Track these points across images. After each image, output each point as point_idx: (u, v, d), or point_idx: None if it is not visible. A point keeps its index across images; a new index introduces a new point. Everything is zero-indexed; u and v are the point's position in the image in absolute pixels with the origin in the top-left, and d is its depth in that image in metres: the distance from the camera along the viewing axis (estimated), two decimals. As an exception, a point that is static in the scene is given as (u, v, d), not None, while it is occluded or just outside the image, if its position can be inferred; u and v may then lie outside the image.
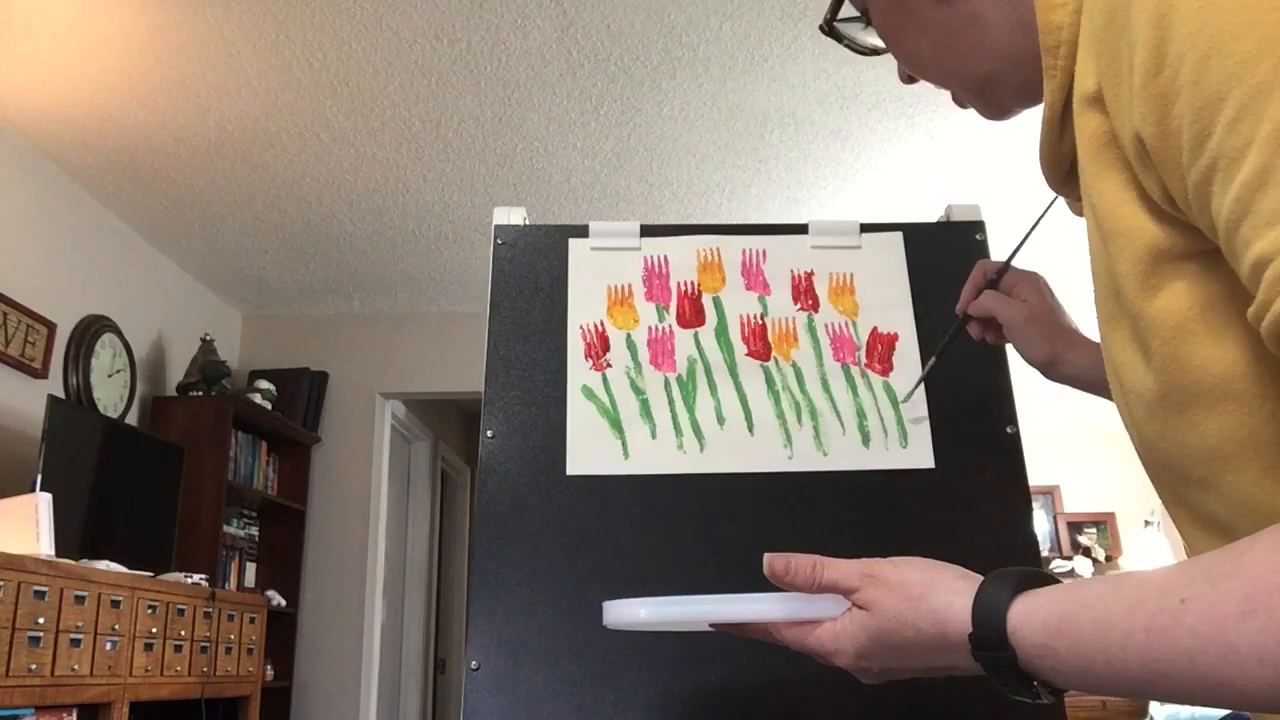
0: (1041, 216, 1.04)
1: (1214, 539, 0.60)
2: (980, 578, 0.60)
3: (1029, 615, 0.55)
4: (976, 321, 1.03)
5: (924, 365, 1.20)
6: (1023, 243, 1.06)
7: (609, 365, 1.22)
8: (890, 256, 1.28)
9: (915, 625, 0.60)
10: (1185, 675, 0.47)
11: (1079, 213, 0.74)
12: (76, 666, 2.59)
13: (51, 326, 3.40)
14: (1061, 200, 0.78)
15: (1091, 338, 0.98)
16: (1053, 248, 4.17)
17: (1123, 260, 0.58)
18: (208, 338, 4.23)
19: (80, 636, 2.61)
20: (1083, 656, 0.52)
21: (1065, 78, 0.63)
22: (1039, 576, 0.58)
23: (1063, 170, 0.70)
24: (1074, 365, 0.96)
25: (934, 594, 0.60)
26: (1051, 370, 0.97)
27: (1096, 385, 0.95)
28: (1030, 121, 0.79)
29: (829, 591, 0.66)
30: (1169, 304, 0.56)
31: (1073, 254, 4.25)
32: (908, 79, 0.82)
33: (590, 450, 1.17)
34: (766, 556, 0.68)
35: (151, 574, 3.08)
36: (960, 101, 0.80)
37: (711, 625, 0.72)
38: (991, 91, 0.75)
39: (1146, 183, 0.55)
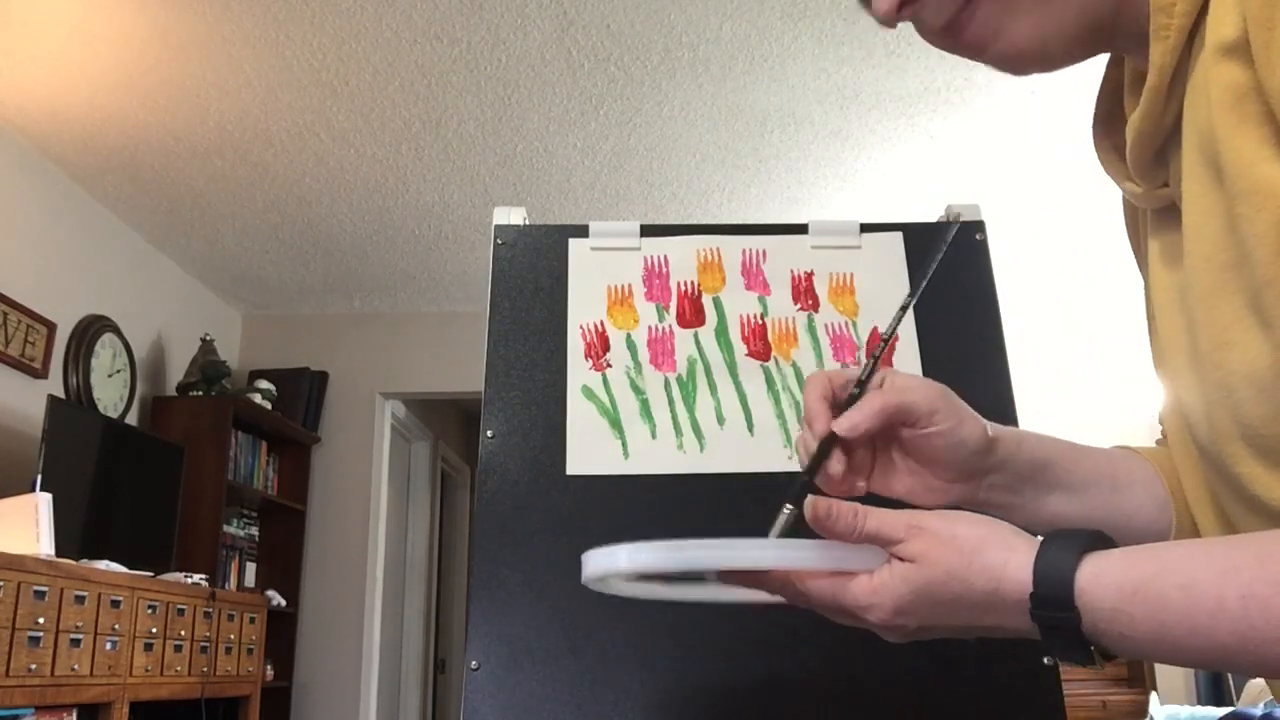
0: (905, 309, 0.81)
1: None
2: (1036, 538, 0.57)
3: (1099, 577, 0.52)
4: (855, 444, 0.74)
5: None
6: (892, 329, 0.80)
7: (609, 365, 1.22)
8: (890, 256, 1.28)
9: (966, 580, 0.56)
10: None
11: (1148, 204, 0.69)
12: (76, 666, 2.59)
13: (51, 326, 3.40)
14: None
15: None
16: (1054, 248, 4.17)
17: (1260, 221, 0.53)
18: (208, 338, 4.22)
19: (80, 636, 2.61)
20: (1161, 622, 0.50)
21: (1180, 38, 0.58)
22: (1103, 538, 0.55)
23: (1155, 147, 0.65)
24: (1007, 446, 0.74)
25: (990, 549, 0.56)
26: (988, 456, 0.73)
27: (1026, 471, 0.75)
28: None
29: (870, 541, 0.60)
30: None
31: (1079, 255, 4.25)
32: (896, 8, 0.66)
33: (590, 450, 1.17)
34: (809, 499, 0.62)
35: (151, 574, 3.08)
36: (980, 54, 0.66)
37: (721, 577, 0.65)
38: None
39: None
